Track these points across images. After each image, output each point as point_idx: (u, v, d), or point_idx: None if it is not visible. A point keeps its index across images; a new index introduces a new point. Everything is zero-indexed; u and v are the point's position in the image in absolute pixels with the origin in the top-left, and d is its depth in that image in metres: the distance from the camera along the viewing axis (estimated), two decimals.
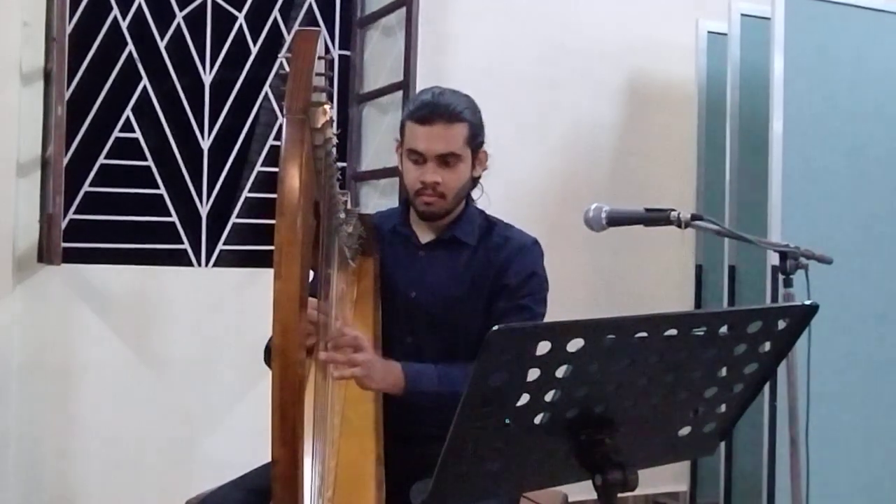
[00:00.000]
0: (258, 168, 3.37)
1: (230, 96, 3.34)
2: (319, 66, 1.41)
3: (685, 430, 1.36)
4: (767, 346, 1.30)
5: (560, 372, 1.17)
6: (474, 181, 2.18)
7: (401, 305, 2.14)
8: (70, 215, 3.10)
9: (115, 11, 3.17)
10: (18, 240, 3.00)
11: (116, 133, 3.18)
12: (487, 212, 2.23)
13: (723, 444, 3.32)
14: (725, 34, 3.56)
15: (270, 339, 1.99)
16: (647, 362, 1.22)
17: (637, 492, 1.26)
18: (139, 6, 3.20)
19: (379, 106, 3.53)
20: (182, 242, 3.28)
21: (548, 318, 2.09)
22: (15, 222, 2.99)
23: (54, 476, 3.07)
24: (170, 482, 3.15)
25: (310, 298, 1.77)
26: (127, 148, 3.19)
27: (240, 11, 3.35)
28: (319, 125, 1.48)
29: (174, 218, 3.26)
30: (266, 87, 3.38)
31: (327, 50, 3.44)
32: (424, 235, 2.19)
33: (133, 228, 3.20)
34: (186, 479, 3.14)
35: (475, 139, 2.10)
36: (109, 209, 3.17)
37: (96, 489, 3.10)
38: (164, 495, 3.11)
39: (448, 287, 2.13)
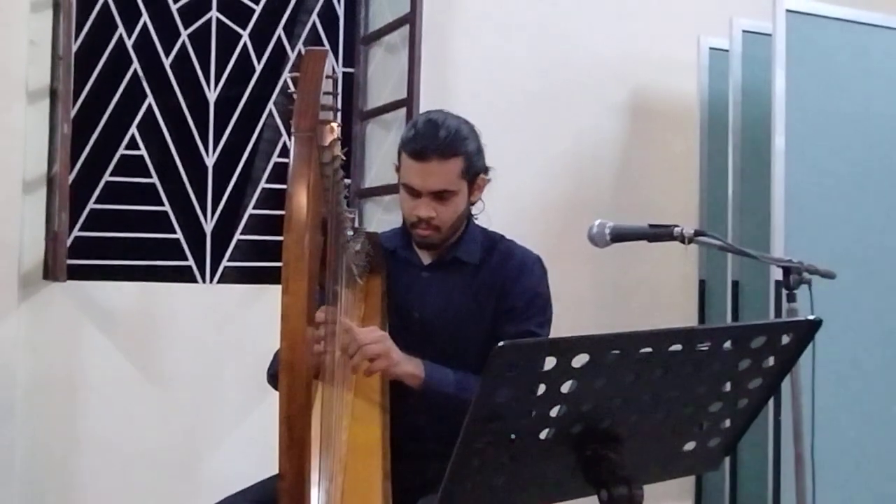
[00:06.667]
0: (262, 185, 3.39)
1: (234, 114, 3.36)
2: (327, 84, 1.43)
3: (690, 445, 1.37)
4: (771, 361, 1.31)
5: (565, 387, 1.18)
6: (472, 204, 2.18)
7: (404, 326, 2.14)
8: (75, 232, 3.12)
9: (121, 30, 3.19)
10: (24, 257, 3.01)
11: (121, 150, 3.20)
12: (489, 228, 2.24)
13: (727, 459, 3.32)
14: (727, 50, 3.58)
15: (272, 364, 2.02)
16: (651, 377, 1.23)
17: None
18: (144, 24, 3.22)
19: (383, 123, 3.54)
20: (187, 259, 3.29)
21: (553, 334, 2.10)
22: (20, 239, 3.00)
23: (59, 492, 3.06)
24: (175, 498, 3.15)
25: (318, 314, 1.78)
26: (132, 165, 3.21)
27: (244, 29, 3.38)
28: (327, 143, 1.49)
29: (179, 235, 3.27)
30: (270, 105, 3.40)
31: (333, 68, 3.45)
32: (426, 257, 2.20)
33: (138, 245, 3.21)
34: (191, 496, 3.14)
35: (471, 169, 2.08)
36: (114, 226, 3.18)
37: None
38: None
39: (451, 307, 2.13)
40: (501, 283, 2.12)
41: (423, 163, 2.03)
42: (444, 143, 2.02)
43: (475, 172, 2.11)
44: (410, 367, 1.94)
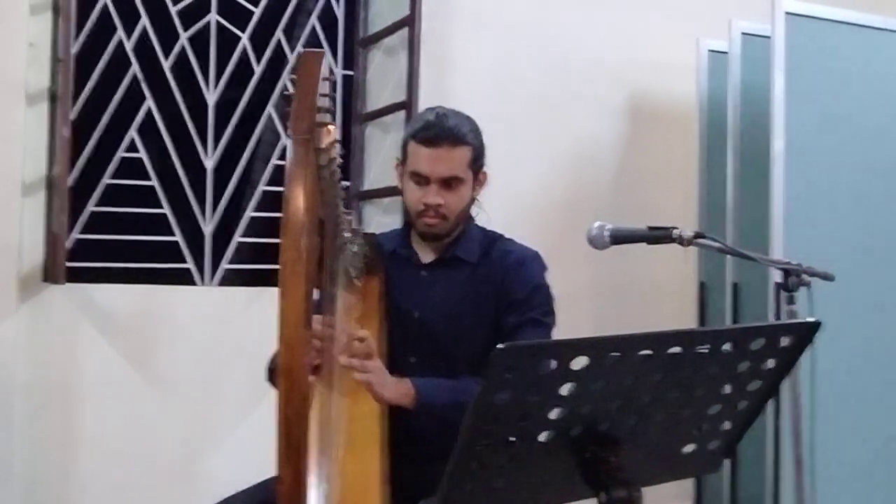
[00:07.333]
0: (262, 187, 3.39)
1: (234, 116, 3.36)
2: (324, 87, 1.43)
3: (689, 448, 1.37)
4: (771, 363, 1.31)
5: (564, 389, 1.18)
6: (473, 201, 2.19)
7: (405, 326, 2.14)
8: (75, 235, 3.12)
9: (120, 32, 3.19)
10: (23, 259, 3.01)
11: (121, 153, 3.20)
12: (487, 228, 2.24)
13: (727, 462, 3.32)
14: (726, 53, 3.57)
15: (272, 359, 2.02)
16: (651, 380, 1.23)
17: None
18: (144, 27, 3.22)
19: (382, 125, 3.54)
20: (186, 262, 3.29)
21: (552, 335, 2.10)
22: (20, 242, 3.00)
23: (59, 494, 3.06)
24: (174, 500, 3.15)
25: (315, 315, 1.78)
26: (131, 168, 3.21)
27: (243, 32, 3.38)
28: (324, 145, 1.49)
29: (178, 237, 3.27)
30: (269, 107, 3.40)
31: (331, 70, 3.45)
32: (426, 255, 2.20)
33: (137, 248, 3.21)
34: (191, 498, 3.13)
35: (477, 161, 2.12)
36: (114, 229, 3.18)
37: None
38: None
39: (452, 306, 2.14)
40: (501, 279, 2.13)
41: (433, 149, 2.05)
42: (454, 130, 2.05)
43: (479, 165, 2.14)
44: (401, 389, 1.92)
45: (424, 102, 3.16)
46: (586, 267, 3.66)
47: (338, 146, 1.60)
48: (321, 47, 3.48)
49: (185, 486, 3.18)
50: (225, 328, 3.28)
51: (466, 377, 1.98)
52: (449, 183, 2.07)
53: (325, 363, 1.91)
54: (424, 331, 2.13)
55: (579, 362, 1.15)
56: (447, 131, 2.04)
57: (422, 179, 2.08)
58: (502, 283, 2.12)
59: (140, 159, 3.23)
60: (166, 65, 3.26)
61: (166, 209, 3.26)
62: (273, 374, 2.02)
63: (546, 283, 2.16)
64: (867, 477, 3.24)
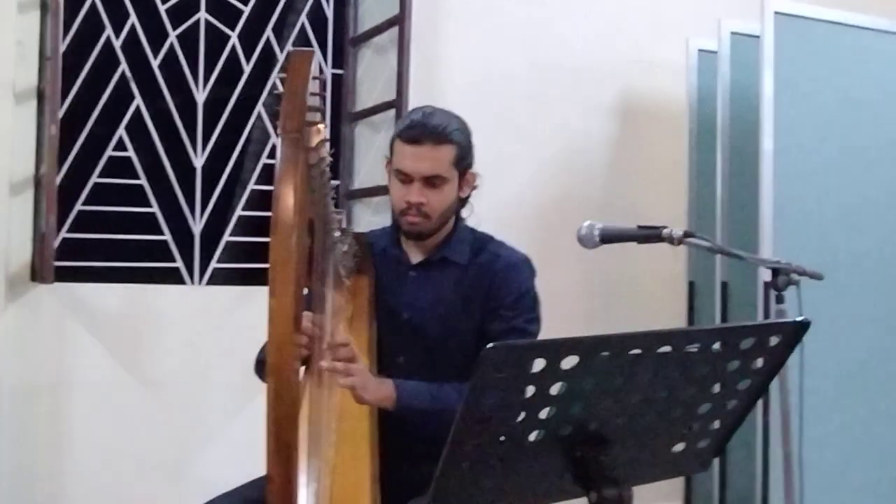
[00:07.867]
0: (251, 186, 3.38)
1: (223, 115, 3.35)
2: (313, 85, 1.42)
3: (679, 447, 1.37)
4: (760, 362, 1.31)
5: (554, 389, 1.18)
6: (462, 201, 2.18)
7: (393, 326, 2.14)
8: (63, 234, 3.10)
9: (109, 31, 3.18)
10: (11, 259, 3.00)
11: (109, 152, 3.18)
12: (478, 229, 2.24)
13: (717, 460, 3.33)
14: (716, 52, 3.59)
15: (261, 352, 2.01)
16: (640, 379, 1.23)
17: None
18: (132, 25, 3.21)
19: (371, 124, 3.54)
20: (175, 261, 3.28)
21: (541, 336, 2.10)
22: (7, 241, 2.98)
23: (47, 494, 3.05)
24: (164, 500, 3.14)
25: (305, 312, 1.78)
26: (120, 167, 3.19)
27: (233, 31, 3.37)
28: (314, 144, 1.49)
29: (167, 236, 3.26)
30: (259, 106, 3.39)
31: (320, 69, 3.44)
32: (415, 256, 2.19)
33: (126, 247, 3.20)
34: (180, 497, 3.13)
35: (462, 161, 2.10)
36: (102, 228, 3.17)
37: None
38: None
39: (440, 307, 2.13)
40: (489, 283, 2.12)
41: (416, 146, 2.05)
42: (438, 129, 2.05)
43: (466, 165, 2.12)
44: (383, 391, 1.92)
45: (414, 101, 3.15)
46: (576, 266, 3.67)
47: (327, 145, 1.59)
48: (311, 46, 3.47)
49: (175, 486, 3.17)
50: (214, 327, 3.27)
51: (450, 384, 1.98)
52: (432, 181, 2.07)
53: (314, 361, 1.90)
54: (413, 331, 2.13)
55: (569, 362, 1.15)
56: (431, 129, 2.04)
57: (405, 177, 2.08)
58: (490, 288, 2.11)
59: (129, 158, 3.21)
60: (155, 63, 3.25)
61: (155, 208, 3.25)
62: (261, 366, 2.02)
63: (533, 290, 2.15)
64: (855, 475, 3.25)
